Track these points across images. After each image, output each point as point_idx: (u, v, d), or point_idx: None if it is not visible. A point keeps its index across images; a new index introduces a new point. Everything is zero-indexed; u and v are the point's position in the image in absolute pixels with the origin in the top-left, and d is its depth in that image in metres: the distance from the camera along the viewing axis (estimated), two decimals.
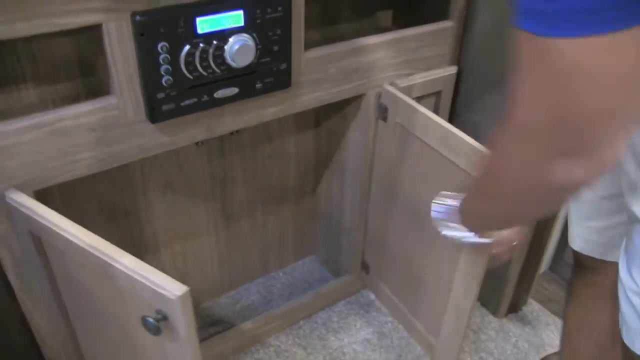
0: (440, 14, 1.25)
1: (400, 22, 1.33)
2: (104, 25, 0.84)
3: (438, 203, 0.89)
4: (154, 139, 0.98)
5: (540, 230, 1.36)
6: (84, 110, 0.89)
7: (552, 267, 1.60)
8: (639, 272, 0.80)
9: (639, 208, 0.79)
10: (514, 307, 1.49)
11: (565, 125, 0.51)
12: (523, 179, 0.60)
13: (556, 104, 0.50)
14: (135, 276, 0.73)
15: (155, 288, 0.71)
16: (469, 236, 0.87)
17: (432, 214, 0.90)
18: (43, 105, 0.98)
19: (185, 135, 1.00)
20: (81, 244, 0.77)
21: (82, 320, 0.99)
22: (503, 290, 1.43)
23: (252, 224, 1.48)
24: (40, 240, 0.89)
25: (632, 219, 0.81)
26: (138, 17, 0.84)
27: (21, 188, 0.88)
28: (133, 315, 0.78)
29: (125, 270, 0.74)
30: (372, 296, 1.51)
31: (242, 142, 1.31)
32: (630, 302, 0.82)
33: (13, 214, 0.88)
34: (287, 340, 1.40)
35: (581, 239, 1.05)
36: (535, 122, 0.53)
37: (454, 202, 0.87)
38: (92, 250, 0.76)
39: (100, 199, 1.20)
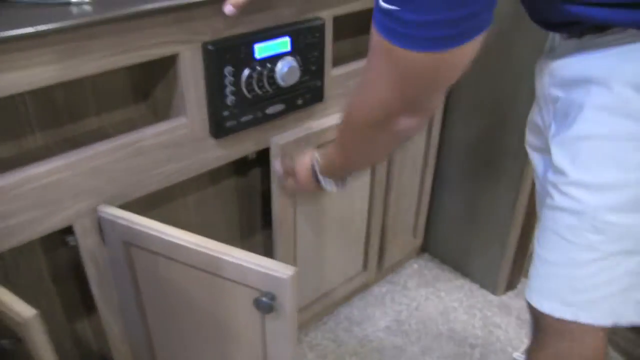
0: None
1: None
2: (180, 54, 0.94)
3: None
4: (215, 153, 1.07)
5: (529, 216, 1.53)
6: (160, 130, 0.98)
7: None
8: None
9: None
10: (511, 285, 1.65)
11: (404, 99, 0.73)
12: (373, 126, 0.81)
13: (397, 87, 0.72)
14: (246, 264, 0.83)
15: (268, 272, 0.81)
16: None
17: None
18: (103, 132, 1.06)
19: (239, 148, 1.11)
20: (189, 245, 0.87)
21: (162, 325, 1.06)
22: (499, 272, 1.59)
23: None
24: (129, 249, 0.97)
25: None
26: (209, 46, 0.95)
27: (109, 203, 0.96)
28: (240, 303, 0.87)
29: (235, 261, 0.83)
30: (384, 289, 1.64)
31: None
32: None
33: (104, 227, 0.96)
34: (316, 336, 1.50)
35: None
36: (383, 96, 0.74)
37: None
38: (200, 249, 0.86)
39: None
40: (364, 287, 1.65)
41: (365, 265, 1.57)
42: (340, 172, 1.05)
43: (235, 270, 0.84)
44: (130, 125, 0.99)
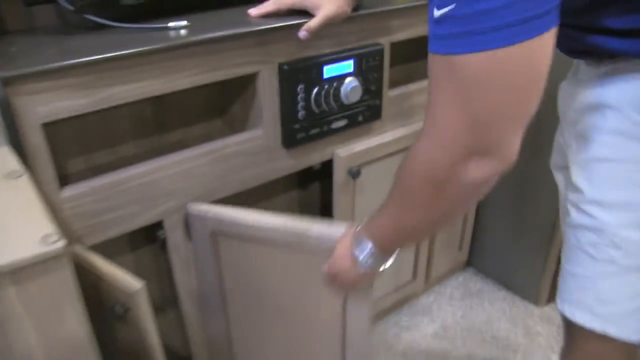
0: None
1: None
2: (259, 73, 1.07)
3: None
4: (285, 162, 1.19)
5: None
6: (239, 140, 1.11)
7: None
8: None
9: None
10: (552, 297, 1.70)
11: (474, 125, 0.61)
12: (436, 177, 0.67)
13: (464, 108, 0.61)
14: (329, 236, 0.92)
15: None
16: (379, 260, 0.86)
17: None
18: (185, 143, 1.19)
19: (307, 158, 1.22)
20: (275, 224, 0.98)
21: (242, 313, 1.16)
22: (541, 285, 1.65)
23: None
24: (216, 239, 1.08)
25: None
26: (285, 67, 1.08)
27: (194, 202, 1.08)
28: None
29: (320, 234, 0.93)
30: (432, 298, 1.72)
31: None
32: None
33: (192, 222, 1.08)
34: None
35: None
36: (449, 129, 0.63)
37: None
38: (287, 226, 0.97)
39: None
40: (413, 296, 1.73)
41: (414, 275, 1.66)
42: (394, 246, 0.86)
43: (320, 243, 0.93)
44: (208, 138, 1.11)
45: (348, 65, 1.16)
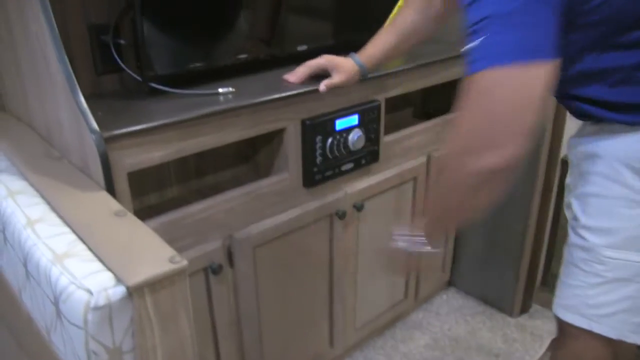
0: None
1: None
2: (287, 128, 1.27)
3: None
4: (305, 198, 1.38)
5: (535, 252, 1.82)
6: (270, 182, 1.29)
7: (544, 280, 2.05)
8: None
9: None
10: (524, 309, 1.91)
11: (489, 128, 0.78)
12: (463, 169, 0.82)
13: (480, 116, 0.78)
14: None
15: None
16: (423, 245, 1.00)
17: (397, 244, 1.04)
18: (219, 186, 1.37)
19: (322, 195, 1.42)
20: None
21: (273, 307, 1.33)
22: (514, 298, 1.86)
23: None
24: (255, 251, 1.26)
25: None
26: (307, 122, 1.28)
27: (235, 233, 1.26)
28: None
29: None
30: (421, 315, 1.91)
31: None
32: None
33: (235, 249, 1.24)
34: (369, 352, 1.76)
35: None
36: (469, 129, 0.80)
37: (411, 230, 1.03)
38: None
39: None
40: (405, 314, 1.92)
41: (406, 295, 1.85)
42: (439, 228, 1.03)
43: None
44: (238, 181, 1.29)
45: (354, 119, 1.37)
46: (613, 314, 1.00)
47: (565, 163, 1.85)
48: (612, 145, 0.95)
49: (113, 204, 0.94)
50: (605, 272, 0.98)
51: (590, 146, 0.99)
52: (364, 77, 1.31)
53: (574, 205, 1.03)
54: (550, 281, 2.03)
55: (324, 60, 1.26)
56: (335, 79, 1.25)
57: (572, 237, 1.04)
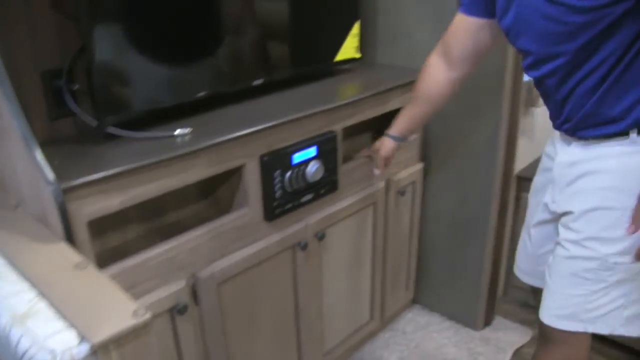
0: None
1: None
2: (246, 164, 1.28)
3: None
4: (267, 232, 1.39)
5: (494, 267, 1.87)
6: (231, 218, 1.30)
7: (505, 292, 2.10)
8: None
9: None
10: (487, 322, 1.95)
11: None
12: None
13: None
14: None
15: None
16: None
17: None
18: (181, 224, 1.37)
19: (282, 227, 1.43)
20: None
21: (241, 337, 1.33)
22: (476, 313, 1.91)
23: None
24: (220, 288, 1.26)
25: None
26: (265, 158, 1.30)
27: (199, 271, 1.26)
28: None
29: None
30: (388, 335, 1.93)
31: None
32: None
33: (199, 288, 1.24)
34: None
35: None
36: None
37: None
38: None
39: None
40: (372, 335, 1.94)
41: (371, 316, 1.87)
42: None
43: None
44: (199, 218, 1.30)
45: (312, 151, 1.39)
46: (607, 313, 1.07)
47: (521, 179, 1.92)
48: (618, 159, 1.03)
49: (73, 256, 0.94)
50: (609, 277, 1.05)
51: (591, 164, 1.06)
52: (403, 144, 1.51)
53: (577, 222, 1.07)
54: (510, 293, 2.09)
55: (383, 152, 1.47)
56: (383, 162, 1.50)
57: (573, 251, 1.08)
